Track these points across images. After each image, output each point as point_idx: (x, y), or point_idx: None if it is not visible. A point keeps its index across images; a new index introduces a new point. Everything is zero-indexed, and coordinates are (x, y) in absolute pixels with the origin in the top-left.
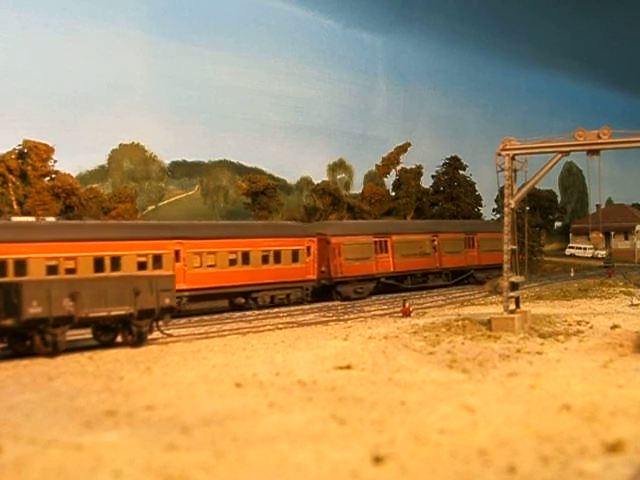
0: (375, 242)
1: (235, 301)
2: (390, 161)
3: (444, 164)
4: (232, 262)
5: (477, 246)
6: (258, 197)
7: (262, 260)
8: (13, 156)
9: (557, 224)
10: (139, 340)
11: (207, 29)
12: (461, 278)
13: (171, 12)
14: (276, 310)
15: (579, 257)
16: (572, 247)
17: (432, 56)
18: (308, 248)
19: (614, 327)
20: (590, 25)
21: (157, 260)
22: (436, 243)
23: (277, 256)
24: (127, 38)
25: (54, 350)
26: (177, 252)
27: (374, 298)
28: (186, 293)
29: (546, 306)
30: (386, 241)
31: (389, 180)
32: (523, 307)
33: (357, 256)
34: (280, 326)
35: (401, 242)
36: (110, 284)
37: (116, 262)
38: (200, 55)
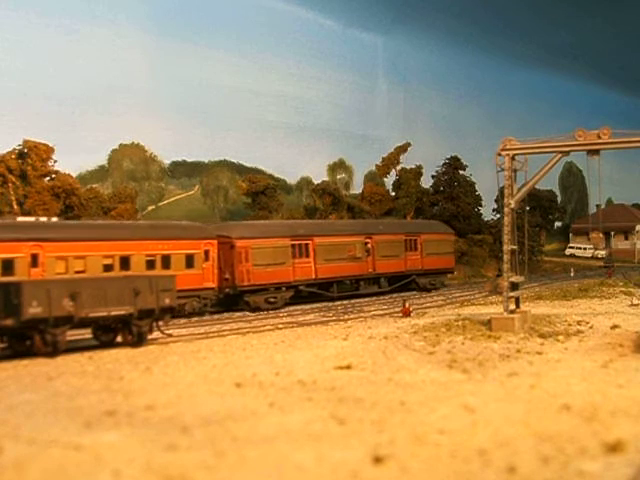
0: (293, 245)
1: None
2: (390, 161)
3: (444, 164)
4: (107, 268)
5: (421, 249)
6: (258, 197)
7: (146, 265)
8: (13, 156)
9: (557, 224)
10: (139, 340)
11: (207, 29)
12: (400, 284)
13: (171, 12)
14: (276, 310)
15: (579, 257)
16: (572, 247)
17: (432, 56)
18: (206, 252)
19: (614, 327)
20: (590, 25)
21: (6, 266)
22: (369, 246)
23: (166, 261)
24: (127, 38)
25: (54, 350)
26: (35, 256)
27: (374, 298)
28: None
29: (546, 306)
30: (307, 244)
31: (389, 180)
32: (523, 307)
33: (269, 261)
34: (280, 326)
35: (326, 245)
36: (110, 284)
37: None
38: (200, 55)
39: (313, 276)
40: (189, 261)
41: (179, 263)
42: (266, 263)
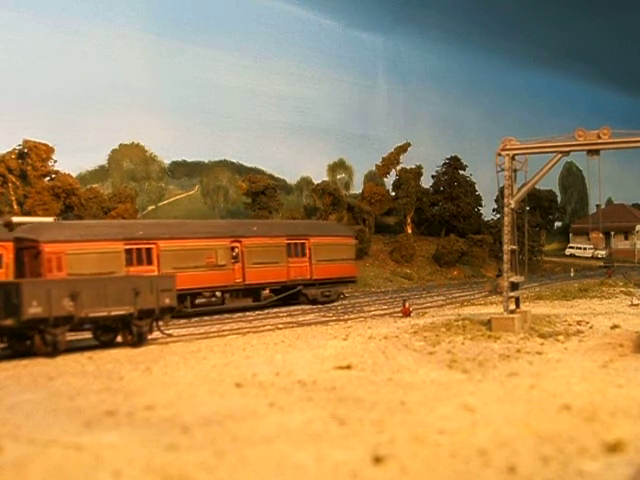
0: (128, 250)
1: None
2: (390, 161)
3: (444, 164)
4: None
5: (310, 254)
6: (258, 197)
7: None
8: (13, 156)
9: (557, 224)
10: (139, 340)
11: (207, 29)
12: (281, 297)
13: (171, 12)
14: (276, 310)
15: (579, 257)
16: (572, 247)
17: (432, 56)
18: None
19: (614, 327)
20: (590, 25)
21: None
22: (238, 251)
23: None
24: (127, 38)
25: (54, 350)
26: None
27: (374, 298)
28: None
29: (546, 306)
30: (149, 249)
31: (389, 180)
32: (523, 307)
33: (94, 269)
34: (280, 326)
35: (175, 250)
36: (110, 284)
37: None
38: (200, 55)
39: None
40: None
41: None
42: (90, 272)
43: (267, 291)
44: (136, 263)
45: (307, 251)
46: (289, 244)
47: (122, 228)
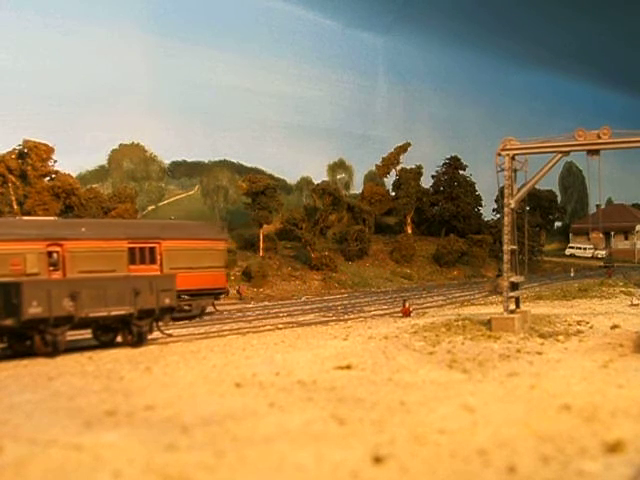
0: None
1: None
2: (390, 161)
3: (444, 164)
4: None
5: (161, 261)
6: (258, 197)
7: None
8: (13, 156)
9: (557, 224)
10: (139, 340)
11: (207, 29)
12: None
13: (171, 12)
14: (276, 310)
15: (579, 257)
16: (572, 247)
17: (432, 56)
18: None
19: (614, 327)
20: (590, 25)
21: None
22: (58, 257)
23: None
24: (127, 38)
25: (54, 350)
26: None
27: (374, 298)
28: None
29: (546, 306)
30: None
31: (389, 180)
32: (523, 307)
33: None
34: (280, 326)
35: None
36: (110, 284)
37: None
38: (200, 55)
39: None
40: None
41: None
42: None
43: None
44: None
45: (158, 257)
46: (132, 248)
47: None
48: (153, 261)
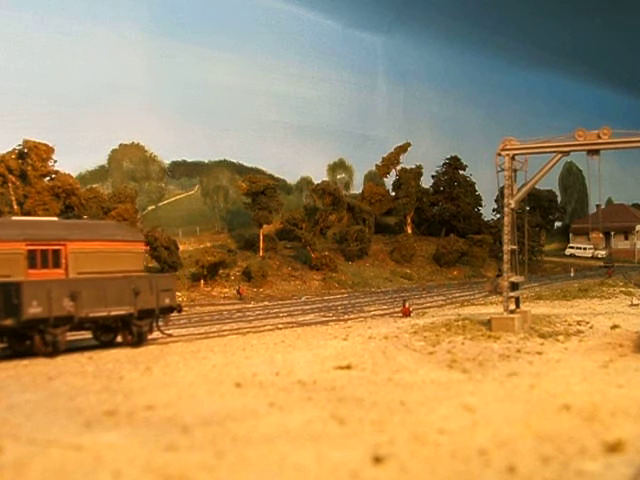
0: None
1: None
2: (390, 161)
3: (444, 164)
4: None
5: (66, 264)
6: (258, 197)
7: None
8: (13, 156)
9: (557, 224)
10: (139, 340)
11: (207, 29)
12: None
13: (171, 12)
14: (276, 310)
15: (579, 257)
16: (572, 247)
17: (432, 56)
18: None
19: (614, 327)
20: (590, 25)
21: None
22: None
23: None
24: (127, 38)
25: (54, 350)
26: None
27: (374, 298)
28: None
29: (546, 306)
30: None
31: (389, 180)
32: (523, 307)
33: None
34: (280, 326)
35: None
36: (110, 284)
37: None
38: (200, 55)
39: None
40: None
41: None
42: None
43: None
44: None
45: (63, 261)
46: (32, 251)
47: None
48: (57, 265)
